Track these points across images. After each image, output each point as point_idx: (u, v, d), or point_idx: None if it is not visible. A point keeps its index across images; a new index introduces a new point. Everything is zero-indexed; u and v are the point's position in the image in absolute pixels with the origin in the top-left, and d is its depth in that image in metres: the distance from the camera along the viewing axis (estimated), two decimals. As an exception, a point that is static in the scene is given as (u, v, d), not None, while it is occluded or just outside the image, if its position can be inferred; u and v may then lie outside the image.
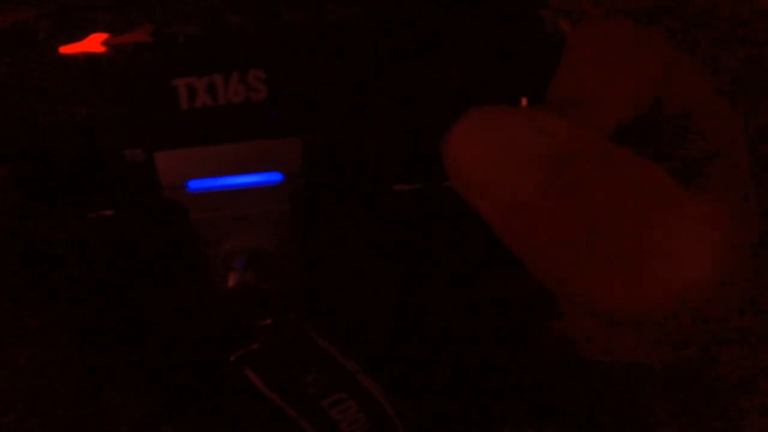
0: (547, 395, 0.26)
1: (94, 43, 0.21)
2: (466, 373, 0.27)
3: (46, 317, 0.27)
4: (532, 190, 0.15)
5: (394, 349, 0.26)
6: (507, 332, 0.26)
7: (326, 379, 0.26)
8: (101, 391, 0.27)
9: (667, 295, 0.16)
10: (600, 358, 0.22)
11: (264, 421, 0.26)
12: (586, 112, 0.17)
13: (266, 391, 0.26)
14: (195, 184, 0.23)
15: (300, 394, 0.26)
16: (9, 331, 0.27)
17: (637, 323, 0.17)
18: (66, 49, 0.22)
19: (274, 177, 0.22)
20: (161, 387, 0.28)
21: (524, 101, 0.21)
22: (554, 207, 0.15)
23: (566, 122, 0.16)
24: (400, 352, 0.26)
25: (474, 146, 0.15)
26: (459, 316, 0.26)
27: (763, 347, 0.21)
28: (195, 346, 0.27)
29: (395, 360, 0.26)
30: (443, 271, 0.25)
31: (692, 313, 0.17)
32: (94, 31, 0.21)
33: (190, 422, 0.28)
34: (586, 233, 0.15)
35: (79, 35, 0.21)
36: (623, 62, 0.18)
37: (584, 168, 0.15)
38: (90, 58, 0.22)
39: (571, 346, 0.23)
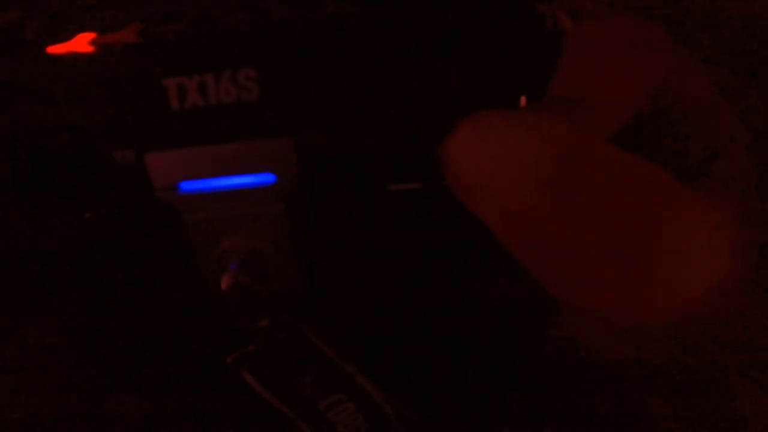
0: (547, 395, 0.26)
1: (82, 43, 0.21)
2: (466, 373, 0.27)
3: (45, 319, 0.26)
4: (533, 194, 0.15)
5: (393, 349, 0.26)
6: (507, 332, 0.26)
7: (324, 380, 0.26)
8: (100, 393, 0.27)
9: (678, 301, 0.15)
10: (600, 359, 0.22)
11: (262, 423, 0.26)
12: (587, 112, 0.17)
13: (264, 392, 0.25)
14: (187, 186, 0.22)
15: (297, 395, 0.25)
16: (7, 332, 0.27)
17: (647, 330, 0.17)
18: (53, 50, 0.21)
19: (267, 178, 0.22)
20: (160, 389, 0.28)
21: (523, 100, 0.21)
22: (556, 211, 0.15)
23: (567, 125, 0.15)
24: (400, 352, 0.26)
25: (474, 151, 0.15)
26: (458, 316, 0.26)
27: (764, 344, 0.21)
28: (192, 347, 0.26)
29: (394, 360, 0.26)
30: (441, 271, 0.25)
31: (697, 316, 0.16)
32: (82, 30, 0.21)
33: (189, 424, 0.27)
34: (589, 238, 0.15)
35: (66, 35, 0.21)
36: (625, 60, 0.18)
37: (585, 172, 0.15)
38: (78, 58, 0.21)
39: (571, 346, 0.22)
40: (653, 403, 0.23)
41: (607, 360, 0.22)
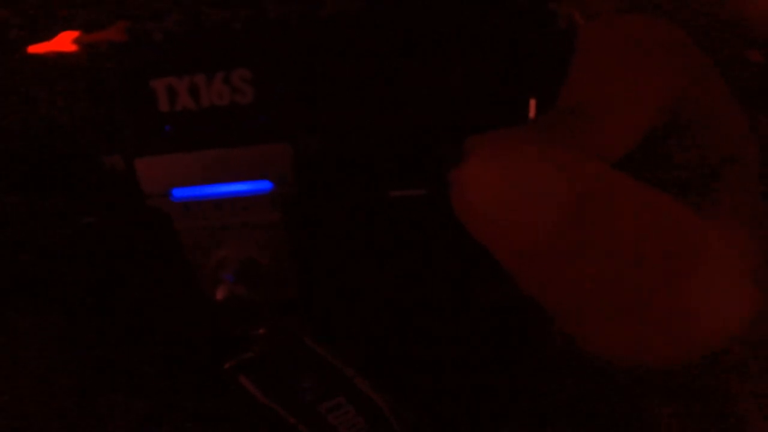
0: (547, 395, 0.26)
1: (65, 41, 0.20)
2: (466, 374, 0.26)
3: (44, 319, 0.26)
4: (551, 232, 0.14)
5: (392, 351, 0.26)
6: (507, 333, 0.26)
7: (323, 383, 0.25)
8: (98, 394, 0.27)
9: (699, 345, 0.15)
10: (600, 359, 0.22)
11: (262, 426, 0.26)
12: (601, 124, 0.16)
13: (262, 398, 0.25)
14: (179, 193, 0.21)
15: (297, 399, 0.25)
16: (6, 331, 0.26)
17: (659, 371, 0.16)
18: (35, 49, 0.20)
19: (264, 185, 0.21)
20: (158, 391, 0.27)
21: (533, 104, 0.20)
22: (574, 249, 0.14)
23: (583, 156, 0.15)
24: (399, 355, 0.26)
25: (487, 185, 0.14)
26: (458, 318, 0.26)
27: (764, 348, 0.21)
28: (191, 349, 0.26)
29: (394, 363, 0.26)
30: (441, 274, 0.24)
31: None
32: (65, 29, 0.20)
33: (187, 426, 0.27)
34: (607, 276, 0.14)
35: (49, 34, 0.20)
36: (643, 65, 0.17)
37: (607, 208, 0.14)
38: (60, 57, 0.20)
39: (571, 346, 0.22)
40: (653, 404, 0.23)
41: (607, 361, 0.22)
